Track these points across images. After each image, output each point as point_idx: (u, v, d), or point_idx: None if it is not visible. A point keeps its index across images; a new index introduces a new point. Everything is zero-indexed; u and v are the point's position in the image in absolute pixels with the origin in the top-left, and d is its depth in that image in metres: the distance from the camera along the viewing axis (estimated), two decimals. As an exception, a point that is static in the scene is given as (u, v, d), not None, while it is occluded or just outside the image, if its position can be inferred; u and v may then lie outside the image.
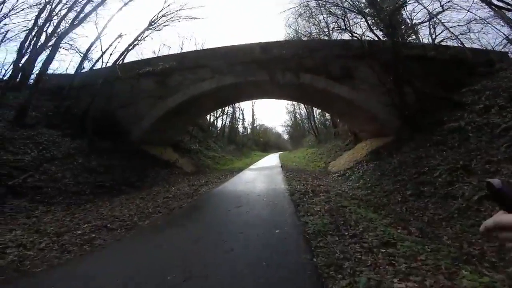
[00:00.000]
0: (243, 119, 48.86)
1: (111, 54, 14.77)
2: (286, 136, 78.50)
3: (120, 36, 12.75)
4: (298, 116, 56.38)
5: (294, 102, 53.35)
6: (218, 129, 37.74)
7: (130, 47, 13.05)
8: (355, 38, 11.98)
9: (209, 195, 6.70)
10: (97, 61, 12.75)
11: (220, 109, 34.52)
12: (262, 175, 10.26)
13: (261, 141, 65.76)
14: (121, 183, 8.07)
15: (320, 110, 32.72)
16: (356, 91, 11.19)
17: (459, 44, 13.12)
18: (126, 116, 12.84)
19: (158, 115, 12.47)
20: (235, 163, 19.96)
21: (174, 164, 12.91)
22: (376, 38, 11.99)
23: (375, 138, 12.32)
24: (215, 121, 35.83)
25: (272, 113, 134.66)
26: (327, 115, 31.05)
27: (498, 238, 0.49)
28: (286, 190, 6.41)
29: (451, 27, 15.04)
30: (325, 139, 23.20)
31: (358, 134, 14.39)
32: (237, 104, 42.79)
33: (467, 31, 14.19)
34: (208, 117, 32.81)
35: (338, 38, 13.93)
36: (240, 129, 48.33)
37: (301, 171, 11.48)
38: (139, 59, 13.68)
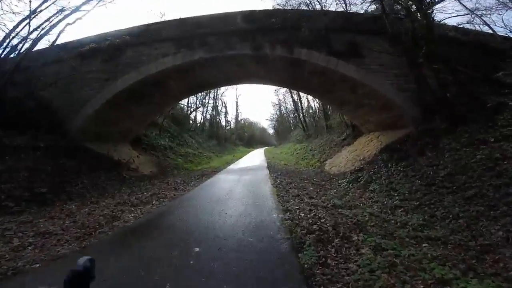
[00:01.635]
0: (226, 112, 45.75)
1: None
2: (271, 131, 76.63)
3: (62, 10, 9.29)
4: (283, 109, 54.32)
5: (280, 94, 51.01)
6: (198, 122, 34.56)
7: (72, 22, 9.68)
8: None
9: (121, 234, 3.82)
10: (24, 39, 9.01)
11: (199, 101, 31.36)
12: (242, 183, 7.60)
13: (246, 136, 63.17)
14: (19, 196, 5.07)
15: (307, 101, 30.54)
16: (365, 71, 8.80)
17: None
18: (65, 104, 9.68)
19: (103, 100, 9.44)
20: (213, 161, 17.15)
21: (127, 165, 9.91)
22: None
23: (383, 131, 10.09)
24: (194, 113, 32.61)
25: (257, 107, 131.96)
26: (316, 106, 28.90)
27: None
28: (281, 227, 3.57)
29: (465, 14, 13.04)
30: (315, 133, 20.97)
31: (359, 126, 12.13)
32: (219, 96, 39.73)
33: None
34: (186, 109, 29.52)
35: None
36: (223, 122, 45.23)
37: (293, 174, 9.01)
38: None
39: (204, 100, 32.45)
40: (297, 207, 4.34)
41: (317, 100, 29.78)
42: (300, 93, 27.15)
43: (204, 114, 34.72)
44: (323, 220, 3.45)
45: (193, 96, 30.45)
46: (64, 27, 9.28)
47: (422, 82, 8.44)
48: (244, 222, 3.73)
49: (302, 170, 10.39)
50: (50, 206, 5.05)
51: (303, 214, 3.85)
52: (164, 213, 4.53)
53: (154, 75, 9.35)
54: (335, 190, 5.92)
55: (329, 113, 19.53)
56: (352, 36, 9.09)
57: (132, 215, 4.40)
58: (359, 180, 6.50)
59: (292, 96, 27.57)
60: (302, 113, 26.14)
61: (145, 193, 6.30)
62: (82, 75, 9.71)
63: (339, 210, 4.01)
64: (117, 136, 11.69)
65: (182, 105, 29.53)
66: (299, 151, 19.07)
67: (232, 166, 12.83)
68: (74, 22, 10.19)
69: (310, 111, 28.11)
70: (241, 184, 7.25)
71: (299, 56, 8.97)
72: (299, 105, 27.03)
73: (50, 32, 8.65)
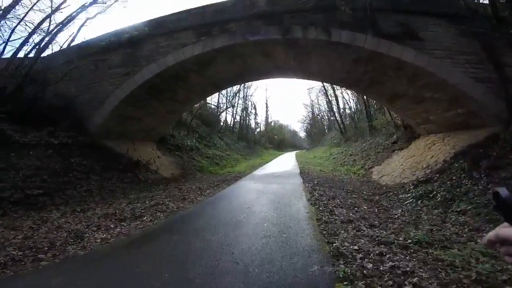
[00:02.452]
0: (256, 113, 44.86)
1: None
2: (302, 134, 74.08)
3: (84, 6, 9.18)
4: (316, 110, 51.64)
5: (312, 94, 48.20)
6: (228, 124, 34.21)
7: (92, 16, 9.54)
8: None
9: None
10: (51, 38, 9.04)
11: (228, 101, 30.85)
12: (267, 195, 5.97)
13: (276, 139, 61.65)
14: (8, 197, 4.42)
15: (344, 101, 27.94)
16: (428, 56, 6.92)
17: None
18: (85, 101, 9.51)
19: (122, 96, 8.97)
20: (240, 164, 16.09)
21: (146, 166, 9.25)
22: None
23: (450, 132, 7.95)
24: (224, 114, 32.29)
25: (288, 109, 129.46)
26: (354, 105, 26.26)
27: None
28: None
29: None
30: (355, 135, 18.68)
31: (414, 127, 9.97)
32: (248, 97, 39.01)
33: None
34: (215, 109, 29.24)
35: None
36: (252, 124, 44.42)
37: (334, 184, 7.30)
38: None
39: (233, 101, 31.96)
40: (355, 247, 2.63)
41: (356, 99, 27.05)
42: (336, 92, 24.92)
43: (234, 115, 34.20)
44: (415, 280, 1.86)
45: (222, 96, 30.11)
46: (84, 22, 8.99)
47: (502, 71, 6.36)
48: (264, 267, 2.27)
49: (343, 179, 8.62)
50: (36, 211, 4.33)
51: (371, 265, 2.20)
52: (141, 240, 3.27)
53: (173, 68, 8.62)
54: (399, 210, 4.21)
55: (371, 112, 17.17)
56: (403, 18, 7.28)
57: (103, 236, 3.34)
58: (430, 195, 4.67)
59: (327, 95, 25.44)
60: (339, 113, 23.79)
61: (147, 202, 5.31)
62: (102, 71, 9.45)
63: (430, 251, 2.40)
64: (141, 135, 11.27)
65: (211, 105, 29.38)
66: (336, 155, 17.04)
67: (259, 171, 11.49)
68: (94, 16, 10.01)
69: (348, 111, 25.60)
70: (266, 198, 5.54)
71: (338, 39, 7.41)
72: (335, 104, 24.74)
73: (68, 25, 8.30)
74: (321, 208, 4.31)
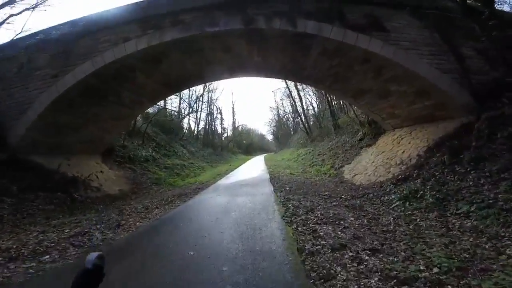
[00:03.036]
0: (222, 118, 43.50)
1: None
2: (270, 137, 74.67)
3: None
4: (282, 113, 52.27)
5: (277, 96, 48.56)
6: (192, 130, 32.36)
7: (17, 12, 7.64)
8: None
9: None
10: None
11: (189, 106, 29.12)
12: (231, 213, 4.81)
13: (244, 143, 60.94)
14: None
15: (307, 101, 28.34)
16: (395, 47, 6.74)
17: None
18: (7, 110, 7.61)
19: (49, 101, 7.28)
20: (205, 173, 14.77)
21: (87, 183, 7.60)
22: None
23: (416, 126, 7.94)
24: (187, 120, 30.43)
25: (254, 113, 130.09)
26: (317, 106, 26.72)
27: None
28: None
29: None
30: (321, 135, 18.72)
31: (380, 122, 9.90)
32: (213, 101, 37.57)
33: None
34: (177, 116, 27.26)
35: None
36: (219, 130, 42.94)
37: (309, 189, 6.56)
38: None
39: (195, 105, 30.34)
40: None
41: (319, 99, 27.67)
42: (300, 93, 25.08)
43: (198, 121, 32.51)
44: None
45: (183, 100, 28.29)
46: (6, 19, 7.13)
47: (463, 62, 6.47)
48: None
49: (316, 181, 8.02)
50: None
51: None
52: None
53: (113, 66, 7.21)
54: (391, 218, 3.55)
55: (335, 111, 17.32)
56: (370, 9, 7.06)
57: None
58: (417, 195, 4.16)
59: (291, 96, 25.42)
60: (304, 114, 23.87)
61: (67, 230, 3.95)
62: (27, 74, 7.69)
63: (470, 281, 1.65)
64: (82, 147, 9.41)
65: (172, 111, 27.37)
66: (304, 156, 16.75)
67: (225, 180, 10.34)
68: (20, 13, 8.08)
69: (311, 112, 25.92)
70: (229, 218, 4.39)
71: (304, 29, 6.84)
72: (300, 105, 24.89)
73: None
74: (300, 229, 3.45)
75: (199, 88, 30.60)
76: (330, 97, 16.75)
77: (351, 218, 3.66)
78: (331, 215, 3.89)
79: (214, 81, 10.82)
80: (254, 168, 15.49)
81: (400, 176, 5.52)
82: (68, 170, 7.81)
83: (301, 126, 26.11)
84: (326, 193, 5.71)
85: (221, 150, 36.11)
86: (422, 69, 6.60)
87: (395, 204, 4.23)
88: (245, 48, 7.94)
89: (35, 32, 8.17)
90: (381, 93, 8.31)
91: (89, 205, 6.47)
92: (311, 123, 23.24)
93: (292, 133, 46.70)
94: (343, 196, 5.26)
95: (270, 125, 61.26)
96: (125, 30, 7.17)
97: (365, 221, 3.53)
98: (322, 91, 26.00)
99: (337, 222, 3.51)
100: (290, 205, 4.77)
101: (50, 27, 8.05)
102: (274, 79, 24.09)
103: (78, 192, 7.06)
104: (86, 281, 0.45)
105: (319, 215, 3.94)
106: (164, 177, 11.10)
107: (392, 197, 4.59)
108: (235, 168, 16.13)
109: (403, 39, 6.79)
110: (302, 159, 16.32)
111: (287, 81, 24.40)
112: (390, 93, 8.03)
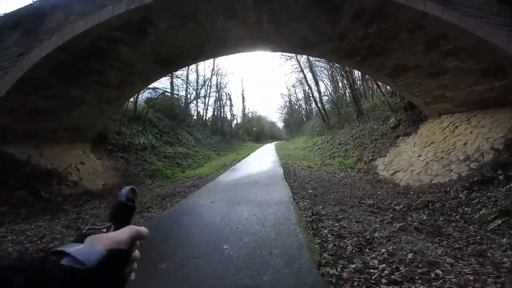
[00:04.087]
0: (231, 104, 41.75)
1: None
2: (281, 125, 72.59)
3: None
4: (294, 99, 49.92)
5: (289, 82, 45.53)
6: (201, 116, 31.07)
7: None
8: None
9: None
10: None
11: (196, 91, 27.53)
12: (225, 239, 3.08)
13: (254, 131, 59.32)
14: None
15: (324, 85, 25.86)
16: (459, 13, 4.87)
17: None
18: None
19: (12, 81, 5.91)
20: (209, 162, 13.43)
21: (64, 176, 6.38)
22: None
23: (475, 112, 6.12)
24: (195, 106, 29.07)
25: (265, 100, 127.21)
26: (330, 91, 24.45)
27: None
28: None
29: None
30: (340, 122, 16.78)
31: (422, 107, 8.03)
32: (223, 87, 35.79)
33: None
34: (183, 100, 25.84)
35: None
36: (228, 117, 41.40)
37: (340, 193, 4.88)
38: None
39: (203, 90, 28.78)
40: None
41: (334, 84, 25.32)
42: (317, 75, 22.85)
43: (206, 107, 31.07)
44: None
45: (189, 85, 26.69)
46: None
47: None
48: None
49: (344, 179, 6.34)
50: None
51: None
52: None
53: (88, 39, 5.74)
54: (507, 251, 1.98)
55: (360, 95, 15.26)
56: None
57: None
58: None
59: (306, 80, 23.25)
60: (320, 99, 21.76)
61: None
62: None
63: None
64: (65, 134, 8.20)
65: (179, 96, 25.98)
66: (321, 145, 15.02)
67: (228, 174, 8.65)
68: None
69: (326, 98, 23.71)
70: (216, 263, 2.52)
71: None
72: (316, 90, 22.73)
73: None
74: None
75: (207, 72, 28.93)
76: (352, 79, 14.68)
77: (447, 260, 2.06)
78: (408, 254, 2.22)
79: (218, 56, 9.04)
80: (264, 158, 13.93)
81: (475, 178, 3.81)
82: (42, 162, 6.57)
83: (316, 112, 24.08)
84: (370, 201, 4.05)
85: (230, 137, 34.75)
86: (500, 40, 4.76)
87: (494, 224, 2.61)
88: (253, 13, 6.22)
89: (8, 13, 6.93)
90: (432, 70, 6.47)
91: (58, 205, 5.21)
92: (327, 108, 21.20)
93: (304, 120, 44.64)
94: (396, 208, 3.64)
95: (282, 112, 59.16)
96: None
97: (473, 261, 1.95)
98: (339, 76, 23.60)
99: (430, 275, 1.92)
100: (324, 230, 2.95)
101: (23, 7, 6.77)
102: (287, 56, 21.99)
103: (49, 188, 5.80)
104: (122, 212, 0.46)
105: (386, 256, 2.23)
106: (162, 168, 9.80)
107: (482, 211, 2.94)
108: (243, 158, 14.67)
109: (466, 4, 4.94)
110: (318, 148, 14.60)
111: (301, 63, 22.27)
112: (445, 71, 6.19)
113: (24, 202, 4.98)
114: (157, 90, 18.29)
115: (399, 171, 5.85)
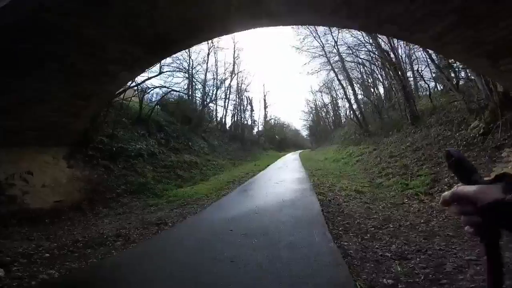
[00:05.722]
0: (252, 109, 39.58)
1: None
2: (305, 133, 69.17)
3: None
4: (320, 104, 46.59)
5: (314, 86, 41.41)
6: (221, 121, 29.48)
7: None
8: None
9: None
10: None
11: (213, 93, 25.75)
12: None
13: (276, 139, 56.66)
14: None
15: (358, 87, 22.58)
16: None
17: None
18: None
19: None
20: (220, 174, 11.15)
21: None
22: None
23: None
24: (213, 110, 27.55)
25: (288, 107, 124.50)
26: (360, 94, 21.13)
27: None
28: None
29: None
30: (383, 129, 13.70)
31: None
32: (243, 91, 33.91)
33: None
34: (199, 103, 24.25)
35: None
36: (249, 122, 39.23)
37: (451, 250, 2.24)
38: None
39: (219, 92, 27.12)
40: None
41: (363, 86, 21.84)
42: (351, 75, 19.88)
43: (225, 112, 29.36)
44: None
45: (207, 86, 24.95)
46: None
47: None
48: None
49: (433, 225, 3.55)
50: None
51: None
52: None
53: (24, 11, 3.74)
54: None
55: (410, 92, 12.13)
56: None
57: None
58: None
59: (337, 78, 20.24)
60: (356, 101, 18.59)
61: None
62: None
63: None
64: (30, 136, 6.44)
65: (197, 100, 24.48)
66: (359, 157, 12.07)
67: (229, 198, 6.25)
68: None
69: (365, 98, 20.45)
70: None
71: None
72: (351, 90, 19.71)
73: None
74: None
75: (227, 75, 27.31)
76: (402, 74, 11.68)
77: None
78: None
79: (220, 35, 6.53)
80: (287, 173, 11.15)
81: None
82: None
83: (348, 118, 21.00)
84: None
85: (251, 144, 32.55)
86: None
87: None
88: None
89: None
90: None
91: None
92: (367, 111, 18.01)
93: (332, 128, 41.29)
94: None
95: (307, 119, 56.03)
96: None
97: None
98: (378, 73, 20.05)
99: None
100: None
101: None
102: (314, 53, 19.33)
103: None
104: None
105: None
106: (153, 181, 7.70)
107: None
108: (260, 171, 12.15)
109: None
110: (357, 161, 11.67)
111: (330, 61, 19.51)
112: None
113: None
114: (168, 88, 16.59)
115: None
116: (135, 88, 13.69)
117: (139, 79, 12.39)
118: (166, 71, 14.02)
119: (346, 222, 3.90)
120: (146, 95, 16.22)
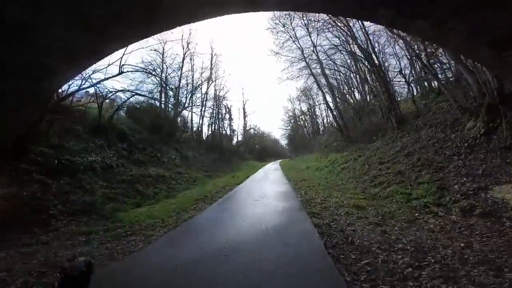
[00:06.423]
0: (230, 118, 38.35)
1: None
2: (284, 142, 69.06)
3: None
4: (298, 112, 46.54)
5: (292, 94, 41.99)
6: (196, 131, 27.89)
7: None
8: None
9: None
10: None
11: (188, 99, 24.25)
12: None
13: (256, 148, 55.69)
14: None
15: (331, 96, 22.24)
16: None
17: None
18: None
19: None
20: (189, 190, 9.76)
21: None
22: None
23: None
24: (188, 119, 26.01)
25: (268, 116, 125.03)
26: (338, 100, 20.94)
27: None
28: None
29: None
30: (366, 134, 13.21)
31: None
32: (221, 99, 32.71)
33: None
34: (171, 111, 22.59)
35: None
36: (228, 132, 37.89)
37: None
38: None
39: (193, 98, 25.74)
40: None
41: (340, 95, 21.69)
42: (330, 80, 19.60)
43: (201, 119, 27.91)
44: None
45: (181, 95, 23.38)
46: None
47: None
48: None
49: (459, 245, 2.66)
50: None
51: None
52: None
53: None
54: None
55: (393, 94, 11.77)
56: None
57: None
58: None
59: (317, 83, 19.81)
60: (337, 108, 18.14)
61: None
62: None
63: None
64: None
65: (169, 107, 22.84)
66: (344, 165, 11.34)
67: (185, 229, 4.63)
68: None
69: (346, 104, 20.16)
70: None
71: None
72: (330, 95, 19.33)
73: None
74: None
75: (202, 79, 26.06)
76: (383, 72, 11.33)
77: None
78: None
79: (193, 19, 4.96)
80: (268, 185, 10.02)
81: None
82: None
83: (331, 124, 20.61)
84: None
85: (229, 155, 31.13)
86: None
87: None
88: None
89: None
90: None
91: None
92: (349, 117, 17.60)
93: (311, 136, 41.25)
94: None
95: (286, 128, 55.84)
96: None
97: None
98: (356, 77, 19.90)
99: None
100: None
101: None
102: (293, 57, 18.86)
103: None
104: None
105: None
106: (101, 199, 6.17)
107: None
108: (238, 184, 10.91)
109: None
110: (342, 169, 10.90)
111: (310, 67, 19.17)
112: None
113: None
114: (132, 92, 14.86)
115: None
116: (89, 90, 11.98)
117: (94, 79, 10.78)
118: (128, 71, 12.40)
119: (365, 263, 2.68)
120: (108, 101, 14.38)
